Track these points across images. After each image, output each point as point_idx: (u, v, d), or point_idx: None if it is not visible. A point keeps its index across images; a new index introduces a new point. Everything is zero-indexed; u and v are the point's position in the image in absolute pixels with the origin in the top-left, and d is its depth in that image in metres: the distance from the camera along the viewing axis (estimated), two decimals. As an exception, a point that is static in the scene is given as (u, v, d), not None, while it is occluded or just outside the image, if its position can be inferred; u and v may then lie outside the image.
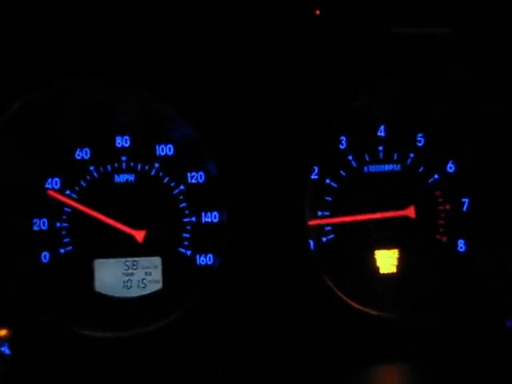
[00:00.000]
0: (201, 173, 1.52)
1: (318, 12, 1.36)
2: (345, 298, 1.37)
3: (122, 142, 1.53)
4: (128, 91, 1.42)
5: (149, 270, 1.50)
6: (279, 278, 1.36)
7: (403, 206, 1.51)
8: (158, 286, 1.50)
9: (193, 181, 1.52)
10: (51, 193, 1.50)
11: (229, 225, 1.34)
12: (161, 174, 1.52)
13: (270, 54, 1.35)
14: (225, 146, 1.35)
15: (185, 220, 1.51)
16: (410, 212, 1.50)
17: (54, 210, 1.51)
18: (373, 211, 1.50)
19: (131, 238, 1.50)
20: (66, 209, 1.51)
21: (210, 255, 1.50)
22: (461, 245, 1.52)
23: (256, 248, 1.35)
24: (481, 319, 1.39)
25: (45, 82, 1.37)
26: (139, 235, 1.50)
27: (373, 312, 1.39)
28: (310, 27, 1.36)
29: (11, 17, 1.36)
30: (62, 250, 1.51)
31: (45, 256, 1.50)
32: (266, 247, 1.35)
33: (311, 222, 1.46)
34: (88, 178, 1.52)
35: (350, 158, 1.53)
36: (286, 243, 1.33)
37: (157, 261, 1.50)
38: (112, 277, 1.50)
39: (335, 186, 1.52)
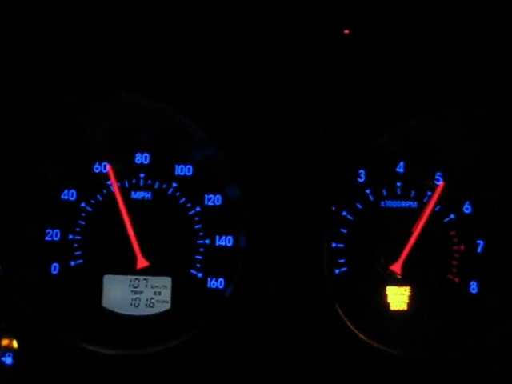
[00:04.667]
0: (218, 195, 1.51)
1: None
2: (355, 330, 1.35)
3: (142, 158, 1.53)
4: (153, 108, 1.41)
5: (158, 290, 1.48)
6: (291, 307, 1.35)
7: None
8: (167, 306, 1.48)
9: (209, 203, 1.51)
10: (109, 168, 1.49)
11: (246, 249, 1.32)
12: (178, 193, 1.52)
13: (300, 82, 1.37)
14: (248, 167, 1.35)
15: (198, 242, 1.50)
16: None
17: (67, 221, 1.50)
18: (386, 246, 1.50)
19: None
20: (81, 221, 1.50)
21: (222, 279, 1.49)
22: (473, 286, 1.51)
23: (271, 275, 1.33)
24: (489, 362, 1.37)
25: (68, 94, 1.37)
26: (141, 263, 1.46)
27: (380, 347, 1.36)
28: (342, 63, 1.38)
29: (46, 28, 1.38)
30: (72, 263, 1.50)
31: (54, 267, 1.49)
32: (282, 275, 1.34)
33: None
34: (104, 192, 1.51)
35: (368, 191, 1.53)
36: (303, 272, 1.32)
37: (167, 281, 1.49)
38: (120, 294, 1.49)
39: (351, 218, 1.52)
